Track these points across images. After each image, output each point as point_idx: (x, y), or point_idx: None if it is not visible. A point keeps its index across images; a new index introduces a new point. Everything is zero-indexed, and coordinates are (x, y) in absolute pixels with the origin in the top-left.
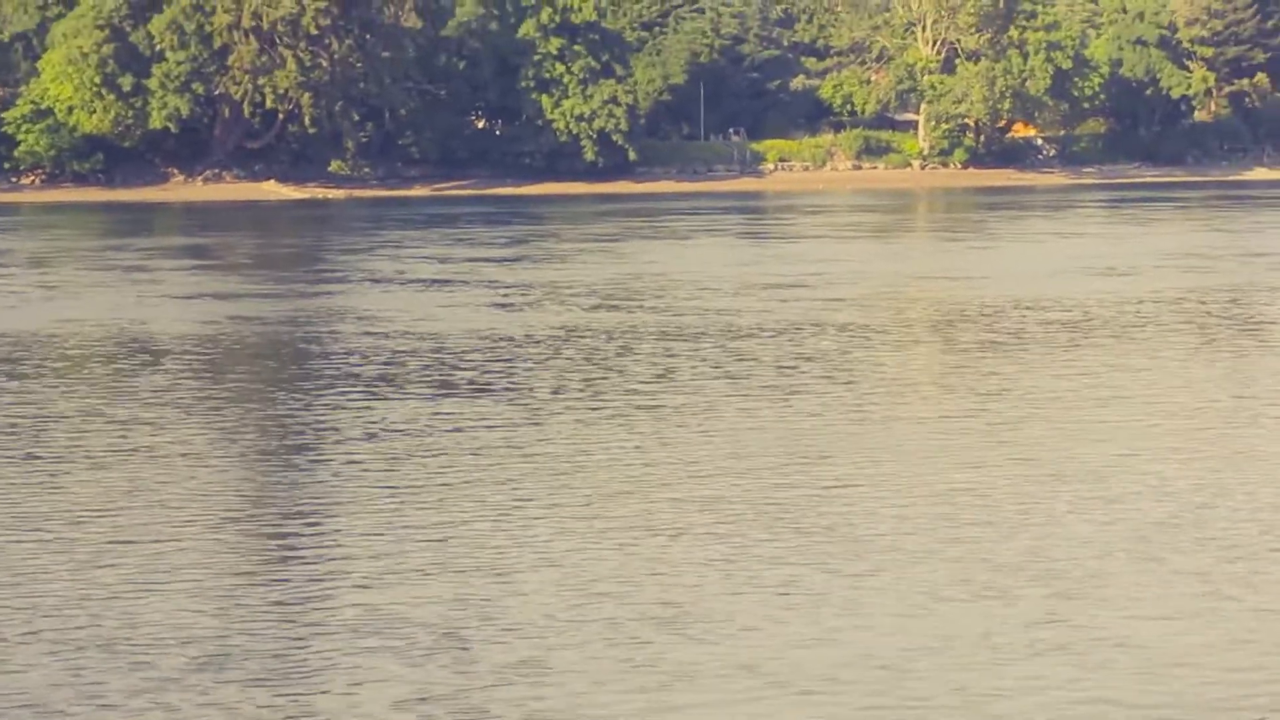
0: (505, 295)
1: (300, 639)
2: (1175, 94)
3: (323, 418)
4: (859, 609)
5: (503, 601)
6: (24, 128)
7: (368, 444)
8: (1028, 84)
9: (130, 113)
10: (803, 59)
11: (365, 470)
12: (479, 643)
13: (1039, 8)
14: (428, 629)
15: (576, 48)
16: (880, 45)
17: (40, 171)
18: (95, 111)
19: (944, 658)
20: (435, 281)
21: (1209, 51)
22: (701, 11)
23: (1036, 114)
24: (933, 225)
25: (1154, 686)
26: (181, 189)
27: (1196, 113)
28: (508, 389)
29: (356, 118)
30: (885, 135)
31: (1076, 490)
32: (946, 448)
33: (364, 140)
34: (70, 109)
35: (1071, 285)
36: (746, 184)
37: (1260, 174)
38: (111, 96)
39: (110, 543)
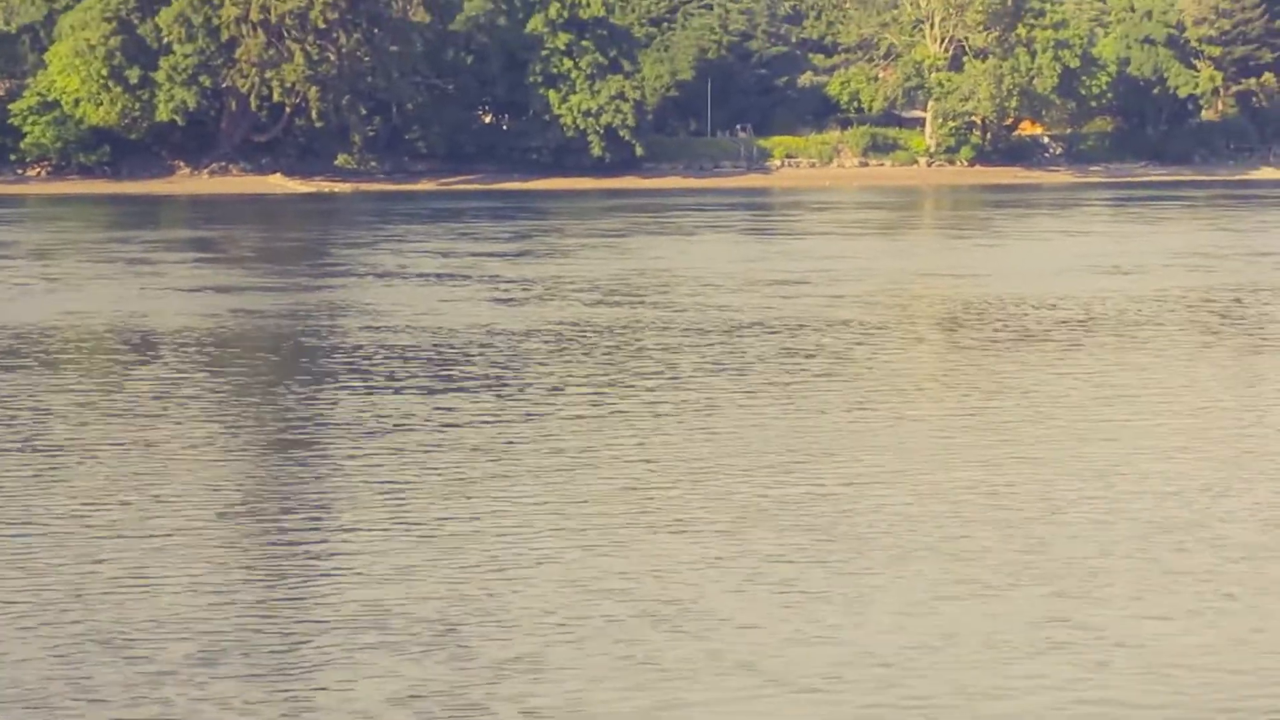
0: (508, 290)
1: (297, 633)
2: (1182, 93)
3: (322, 412)
4: (859, 607)
5: (501, 597)
6: (31, 120)
7: (367, 438)
8: (1035, 82)
9: (137, 105)
10: (810, 56)
11: (364, 465)
12: (477, 638)
13: (1047, 6)
14: (426, 624)
15: (584, 43)
16: (888, 42)
17: (46, 163)
18: (102, 104)
19: (945, 656)
20: (439, 276)
21: (1216, 51)
22: (710, 8)
23: (1043, 112)
24: (939, 222)
25: (1155, 686)
26: (187, 182)
27: (1203, 112)
28: (508, 384)
29: (364, 112)
30: (892, 132)
31: (1079, 489)
32: (949, 445)
33: (371, 134)
34: (77, 101)
35: (1076, 283)
36: (753, 180)
37: (1267, 173)
38: (118, 89)
39: (107, 536)
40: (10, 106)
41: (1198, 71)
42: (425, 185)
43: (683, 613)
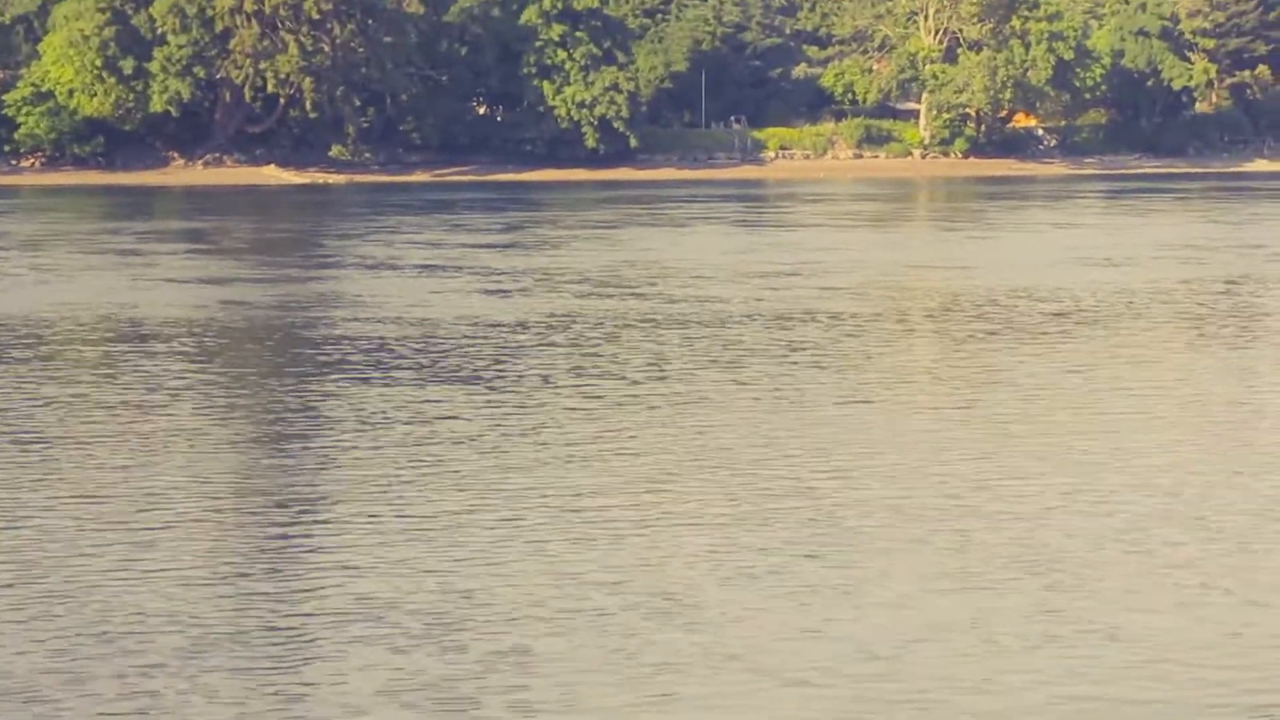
0: (499, 282)
1: (287, 625)
2: (1176, 85)
3: (311, 404)
4: (851, 599)
5: (491, 590)
6: (24, 110)
7: (356, 430)
8: (1029, 74)
9: (131, 96)
10: (805, 47)
11: (353, 457)
12: (467, 631)
13: None
14: (416, 616)
15: (579, 34)
16: (882, 34)
17: (40, 154)
18: (96, 94)
19: (937, 649)
20: (431, 267)
21: (1211, 43)
22: None
23: (1038, 104)
24: (932, 214)
25: (1148, 678)
26: (182, 173)
27: (1198, 104)
28: (498, 376)
29: (358, 103)
30: (886, 124)
31: (1071, 481)
32: (940, 438)
33: (365, 125)
34: (71, 92)
35: (1068, 276)
36: (747, 172)
37: (1260, 166)
38: (112, 79)
39: (96, 527)
40: (4, 97)
41: (1192, 64)
42: (419, 176)
43: (674, 605)
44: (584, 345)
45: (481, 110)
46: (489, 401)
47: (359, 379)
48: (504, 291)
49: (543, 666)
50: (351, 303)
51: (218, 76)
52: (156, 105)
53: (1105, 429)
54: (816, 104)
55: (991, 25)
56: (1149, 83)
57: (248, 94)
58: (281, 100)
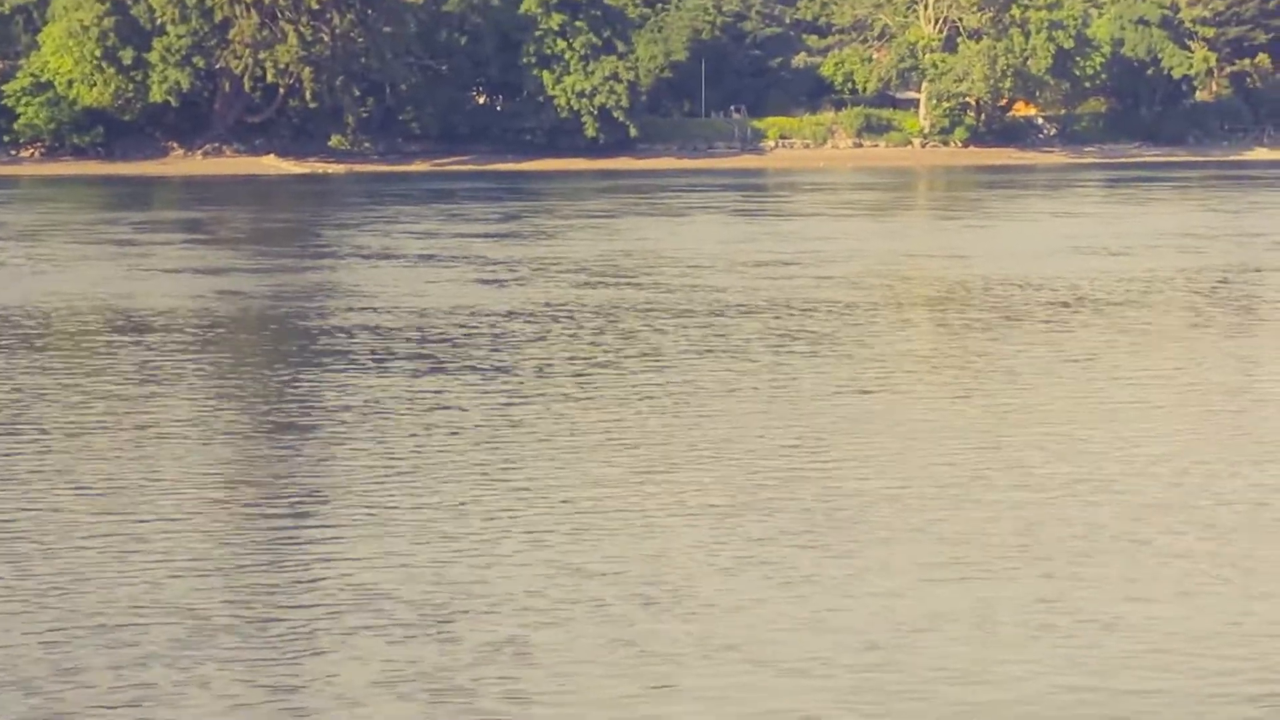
0: (496, 272)
1: (282, 616)
2: (1177, 74)
3: (306, 394)
4: (848, 589)
5: (487, 580)
6: (24, 101)
7: (351, 421)
8: (1029, 63)
9: (130, 86)
10: (804, 36)
11: (349, 447)
12: (464, 621)
13: None
14: (411, 607)
15: (578, 24)
16: (882, 23)
17: (40, 145)
18: (95, 85)
19: (934, 638)
20: (429, 257)
21: (1210, 32)
22: None
23: (1038, 93)
24: (931, 203)
25: (1147, 668)
26: (181, 163)
27: (1198, 93)
28: (494, 367)
29: (357, 93)
30: (886, 113)
31: (1068, 470)
32: (938, 427)
33: (364, 115)
34: (70, 82)
35: (1065, 265)
36: (747, 161)
37: (1260, 154)
38: (112, 70)
39: (90, 519)
40: (3, 88)
41: (1192, 52)
42: (419, 166)
43: (671, 595)
44: (581, 335)
45: (481, 100)
46: (485, 391)
47: (355, 369)
48: (501, 281)
49: (539, 657)
50: (348, 293)
51: (217, 66)
52: (156, 95)
53: (1104, 418)
54: (816, 93)
55: (991, 14)
56: (1149, 71)
57: (247, 84)
58: (281, 90)
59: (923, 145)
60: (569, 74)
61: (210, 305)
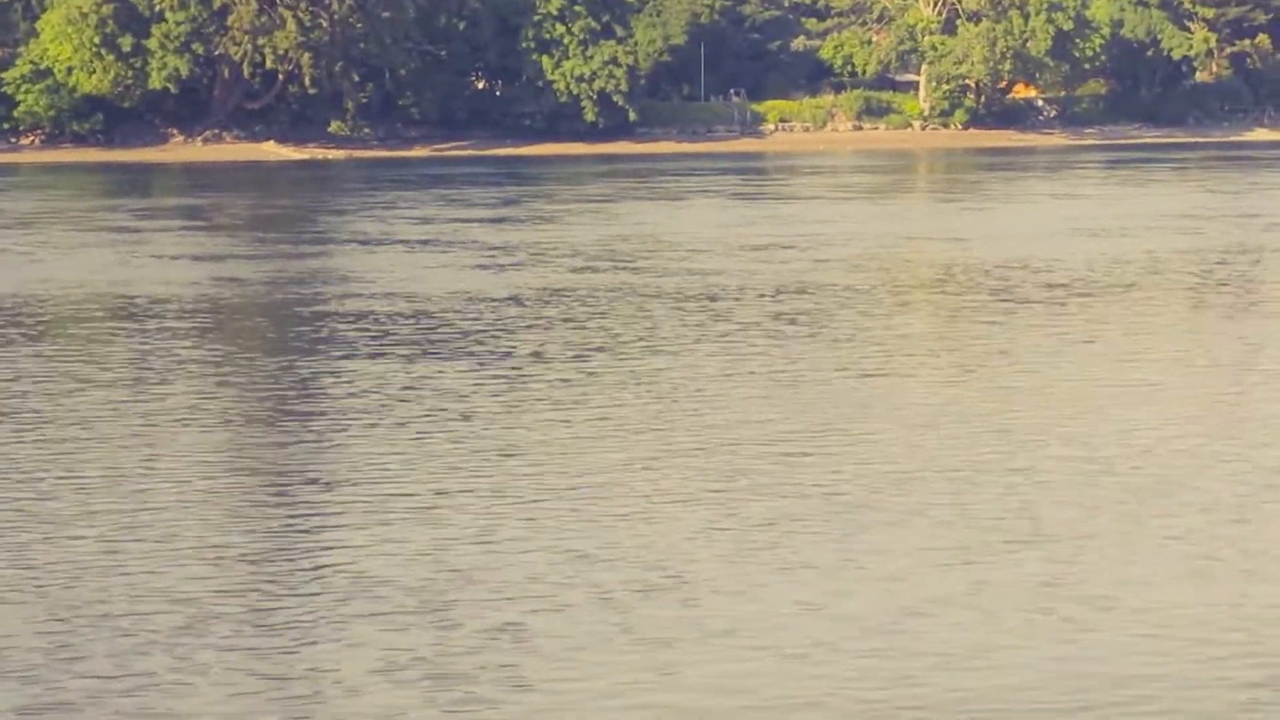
0: (493, 256)
1: (281, 603)
2: (1176, 55)
3: (303, 380)
4: (848, 573)
5: (486, 566)
6: (23, 88)
7: (348, 407)
8: (1029, 45)
9: (130, 73)
10: (803, 20)
11: (346, 433)
12: (463, 608)
13: None
14: (410, 594)
15: (577, 8)
16: (881, 6)
17: (39, 132)
18: (95, 72)
19: (933, 622)
20: (425, 242)
21: (1210, 12)
22: None
23: (1037, 75)
24: (930, 186)
25: (1145, 650)
26: (181, 150)
27: (1198, 74)
28: (491, 352)
29: (356, 78)
30: (886, 96)
31: (1067, 452)
32: (934, 409)
33: (364, 101)
34: (70, 69)
35: (1065, 246)
36: (747, 145)
37: (1260, 135)
38: (111, 57)
39: (88, 507)
40: (3, 75)
41: (1192, 33)
42: (418, 152)
43: (671, 580)
44: (579, 320)
45: (480, 85)
46: (483, 377)
47: (353, 355)
48: (499, 266)
49: (539, 643)
50: (347, 279)
51: (216, 53)
52: (155, 82)
53: (1104, 400)
54: (816, 76)
55: None
56: (1149, 52)
57: (246, 70)
58: (280, 76)
59: (922, 128)
60: (568, 58)
61: (209, 292)
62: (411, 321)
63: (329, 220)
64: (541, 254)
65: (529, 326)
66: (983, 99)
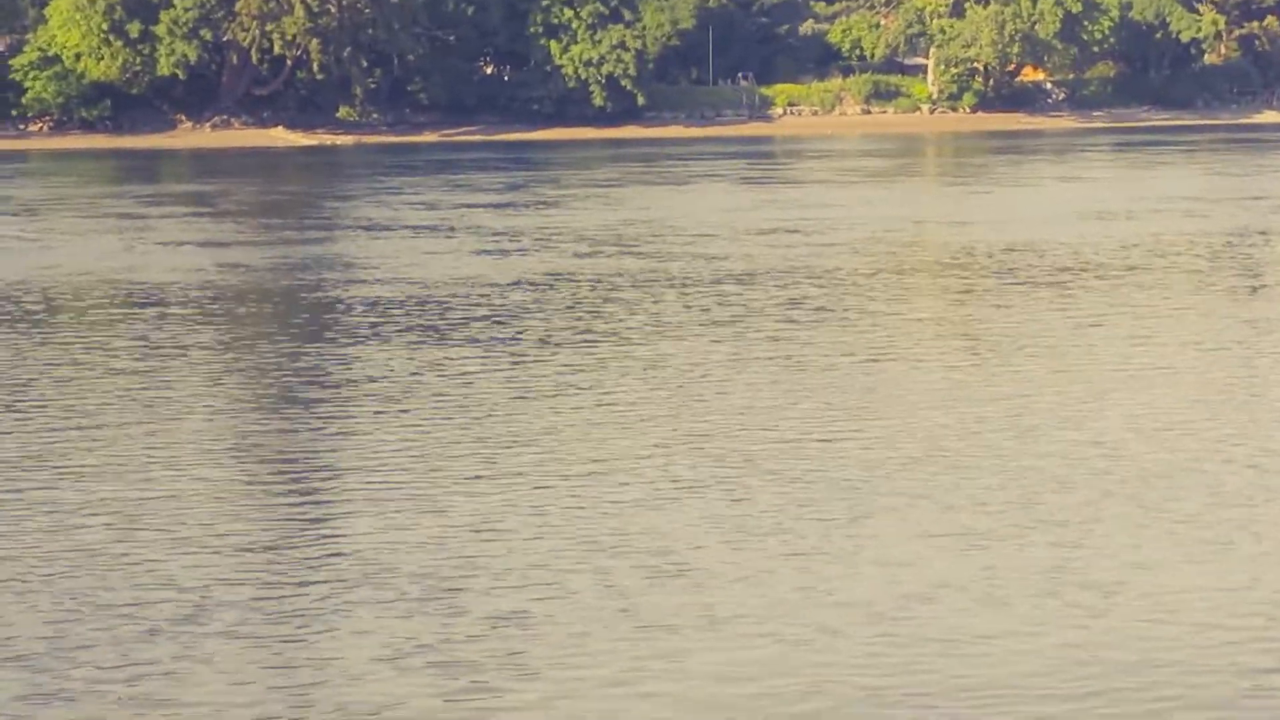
0: (500, 242)
1: (286, 591)
2: (1185, 37)
3: (308, 366)
4: (854, 559)
5: (491, 553)
6: (31, 75)
7: (353, 393)
8: (1037, 27)
9: (138, 59)
10: (812, 3)
11: (350, 420)
12: (466, 595)
13: None
14: (415, 581)
15: None
16: None
17: (48, 118)
18: (103, 58)
19: (939, 607)
20: (433, 228)
21: None
22: None
23: (1046, 58)
24: (938, 170)
25: (1152, 635)
26: (189, 136)
27: (1206, 56)
28: (497, 337)
29: (365, 64)
30: (894, 80)
31: (1074, 436)
32: (941, 394)
33: (372, 86)
34: (78, 56)
35: (1074, 229)
36: (755, 129)
37: (1269, 117)
38: (119, 43)
39: (93, 494)
40: (11, 62)
41: (1200, 15)
42: (427, 137)
43: (676, 566)
44: (585, 305)
45: (489, 70)
46: (488, 362)
47: (358, 341)
48: (505, 251)
49: (545, 630)
50: (353, 264)
51: (224, 39)
52: (163, 68)
53: (1110, 383)
54: (824, 60)
55: None
56: (1157, 35)
57: (254, 56)
58: (288, 62)
59: (931, 111)
60: (576, 43)
61: (215, 278)
62: (418, 307)
63: (336, 206)
64: (549, 239)
65: (535, 312)
66: (991, 82)
